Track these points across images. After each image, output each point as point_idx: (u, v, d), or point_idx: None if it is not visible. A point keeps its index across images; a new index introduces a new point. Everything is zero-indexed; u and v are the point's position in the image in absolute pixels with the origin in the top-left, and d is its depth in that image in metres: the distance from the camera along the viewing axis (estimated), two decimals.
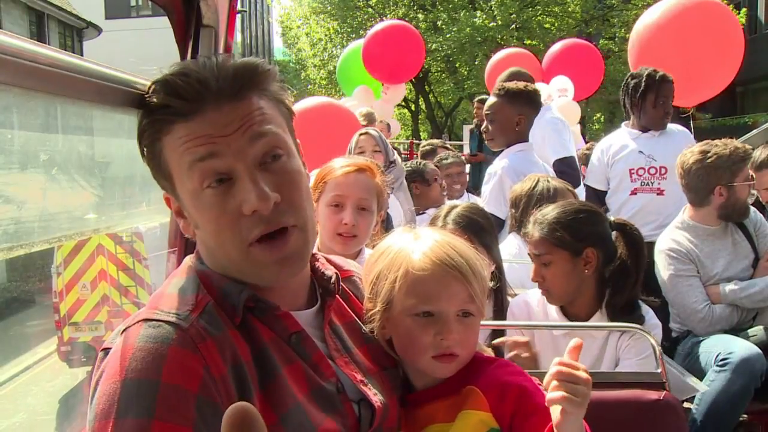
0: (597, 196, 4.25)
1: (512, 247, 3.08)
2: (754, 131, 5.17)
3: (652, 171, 4.08)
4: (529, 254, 2.36)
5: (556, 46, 8.02)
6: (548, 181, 3.03)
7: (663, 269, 3.24)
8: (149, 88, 1.16)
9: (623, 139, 4.24)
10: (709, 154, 3.17)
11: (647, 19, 5.26)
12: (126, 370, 1.00)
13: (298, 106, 4.83)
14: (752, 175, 3.28)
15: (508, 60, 7.03)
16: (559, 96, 7.10)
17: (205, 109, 1.11)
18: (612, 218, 2.34)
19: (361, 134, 3.72)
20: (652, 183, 4.08)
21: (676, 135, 4.20)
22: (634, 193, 4.10)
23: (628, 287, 2.23)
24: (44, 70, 1.06)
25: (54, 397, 9.87)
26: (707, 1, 5.26)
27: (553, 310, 2.34)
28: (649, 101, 4.08)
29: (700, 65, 4.96)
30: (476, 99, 8.34)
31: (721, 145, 3.18)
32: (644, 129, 4.16)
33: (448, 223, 2.44)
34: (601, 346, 2.25)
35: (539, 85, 6.54)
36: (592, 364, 2.24)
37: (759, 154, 3.59)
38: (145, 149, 1.18)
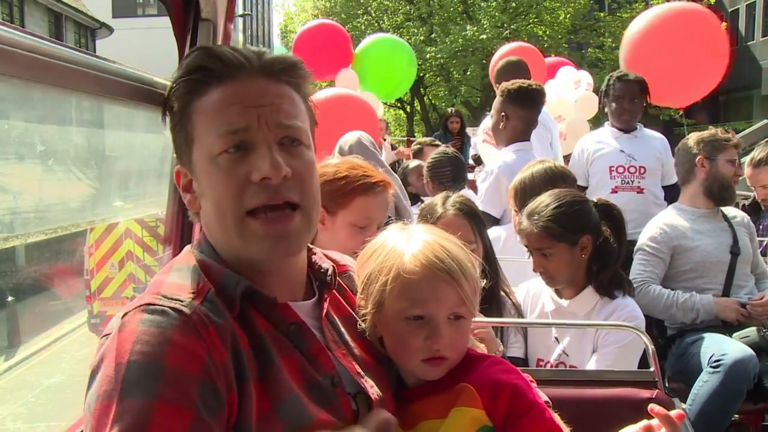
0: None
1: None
2: (748, 130, 5.64)
3: (632, 170, 4.16)
4: (526, 246, 2.45)
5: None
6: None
7: (640, 239, 3.39)
8: (189, 53, 1.20)
9: (604, 137, 4.35)
10: (696, 133, 3.55)
11: (638, 24, 5.45)
12: (130, 353, 1.00)
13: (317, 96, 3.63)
14: (738, 162, 3.49)
15: (513, 54, 6.34)
16: (575, 89, 6.95)
17: (242, 78, 1.15)
18: (594, 199, 2.50)
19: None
20: (632, 181, 4.15)
21: (656, 140, 4.39)
22: (615, 191, 4.11)
23: (612, 262, 2.40)
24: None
25: (86, 363, 10.67)
26: (695, 9, 5.59)
27: (547, 293, 2.51)
28: (610, 100, 4.28)
29: (688, 68, 5.13)
30: (453, 111, 9.06)
31: (709, 130, 3.56)
32: (624, 129, 4.28)
33: (448, 209, 2.41)
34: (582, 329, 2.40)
35: (546, 83, 6.56)
36: (574, 341, 2.38)
37: (759, 152, 3.77)
38: (170, 110, 1.19)
